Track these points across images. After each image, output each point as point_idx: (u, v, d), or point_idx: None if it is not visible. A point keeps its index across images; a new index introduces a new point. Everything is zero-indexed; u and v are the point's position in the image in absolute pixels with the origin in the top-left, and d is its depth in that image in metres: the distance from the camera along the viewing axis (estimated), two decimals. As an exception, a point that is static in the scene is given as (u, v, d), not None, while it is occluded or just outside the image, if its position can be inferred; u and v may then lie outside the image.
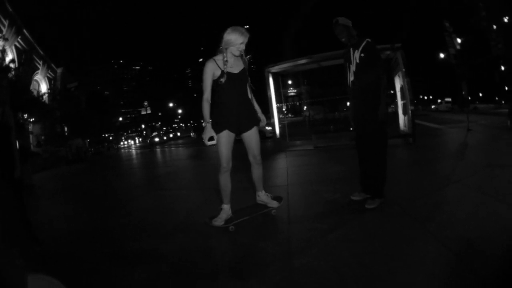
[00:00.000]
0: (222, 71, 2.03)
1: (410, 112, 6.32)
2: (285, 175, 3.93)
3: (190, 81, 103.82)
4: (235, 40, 2.01)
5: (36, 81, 27.15)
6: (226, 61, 2.04)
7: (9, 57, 21.69)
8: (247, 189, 3.08)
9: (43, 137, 20.61)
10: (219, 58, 2.07)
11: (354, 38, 2.39)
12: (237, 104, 2.09)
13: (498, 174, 3.16)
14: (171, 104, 57.15)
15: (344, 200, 2.57)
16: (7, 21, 22.94)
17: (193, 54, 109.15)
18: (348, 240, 1.81)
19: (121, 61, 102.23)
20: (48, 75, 29.10)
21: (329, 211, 2.37)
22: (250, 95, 2.21)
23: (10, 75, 18.29)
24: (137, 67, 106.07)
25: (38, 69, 27.51)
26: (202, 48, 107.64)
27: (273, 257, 1.69)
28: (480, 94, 37.89)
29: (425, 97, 47.46)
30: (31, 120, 20.92)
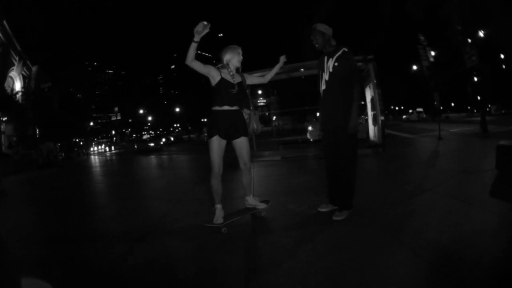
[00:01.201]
0: (223, 78, 2.27)
1: (380, 122, 6.50)
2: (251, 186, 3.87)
3: (161, 87, 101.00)
4: (232, 54, 2.35)
5: (11, 77, 25.70)
6: (233, 74, 2.34)
7: None
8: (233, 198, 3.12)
9: (14, 139, 19.47)
10: (223, 70, 2.34)
11: (331, 46, 2.32)
12: (230, 112, 2.29)
13: (470, 180, 3.26)
14: (141, 111, 55.82)
15: (311, 212, 2.54)
16: None
17: (166, 60, 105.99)
18: (316, 253, 1.78)
19: (95, 63, 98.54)
20: (23, 72, 27.61)
21: (296, 223, 2.34)
22: (250, 106, 2.50)
23: None
24: (110, 71, 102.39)
25: (14, 65, 26.07)
26: (175, 55, 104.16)
27: (237, 272, 1.63)
28: (452, 104, 39.97)
29: (397, 108, 48.64)
30: (4, 119, 19.71)
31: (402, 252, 1.66)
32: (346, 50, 2.23)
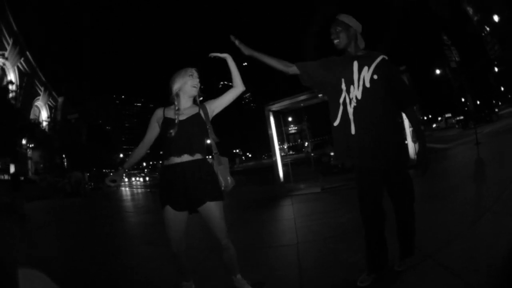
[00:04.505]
0: (166, 118, 1.63)
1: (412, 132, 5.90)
2: (294, 230, 3.35)
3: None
4: (182, 79, 1.67)
5: (37, 107, 27.42)
6: (178, 109, 1.65)
7: (11, 77, 21.85)
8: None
9: (41, 165, 20.42)
10: (171, 106, 1.71)
11: (359, 49, 1.69)
12: (183, 165, 1.56)
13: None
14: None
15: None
16: (11, 39, 23.31)
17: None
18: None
19: (122, 96, 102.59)
20: (49, 102, 29.38)
21: (352, 279, 1.84)
22: (213, 150, 1.67)
23: (10, 95, 18.27)
24: (138, 104, 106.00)
25: (39, 95, 27.83)
26: (202, 87, 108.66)
27: None
28: (478, 102, 37.97)
29: (425, 117, 45.97)
30: (31, 146, 20.86)
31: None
32: (387, 58, 1.64)
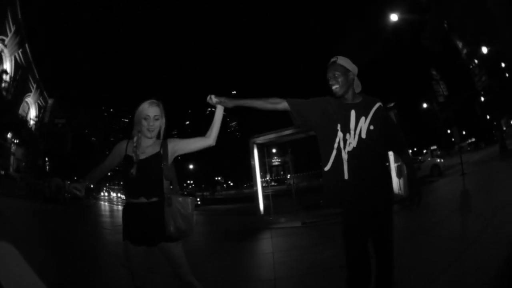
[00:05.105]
0: (126, 155, 1.54)
1: (406, 173, 5.98)
2: (272, 264, 3.23)
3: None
4: (139, 114, 1.55)
5: (27, 103, 26.74)
6: (135, 146, 1.54)
7: (6, 66, 21.35)
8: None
9: (24, 164, 19.67)
10: (134, 140, 1.60)
11: (355, 95, 1.64)
12: (139, 206, 1.50)
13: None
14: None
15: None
16: (14, 27, 22.78)
17: (180, 116, 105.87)
18: None
19: (111, 109, 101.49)
20: (39, 101, 28.67)
21: None
22: (167, 192, 1.54)
23: (2, 85, 17.76)
24: (126, 120, 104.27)
25: (31, 91, 27.23)
26: (189, 111, 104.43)
27: None
28: (464, 132, 39.39)
29: (410, 151, 47.46)
30: (16, 141, 20.11)
31: None
32: (382, 105, 1.61)
